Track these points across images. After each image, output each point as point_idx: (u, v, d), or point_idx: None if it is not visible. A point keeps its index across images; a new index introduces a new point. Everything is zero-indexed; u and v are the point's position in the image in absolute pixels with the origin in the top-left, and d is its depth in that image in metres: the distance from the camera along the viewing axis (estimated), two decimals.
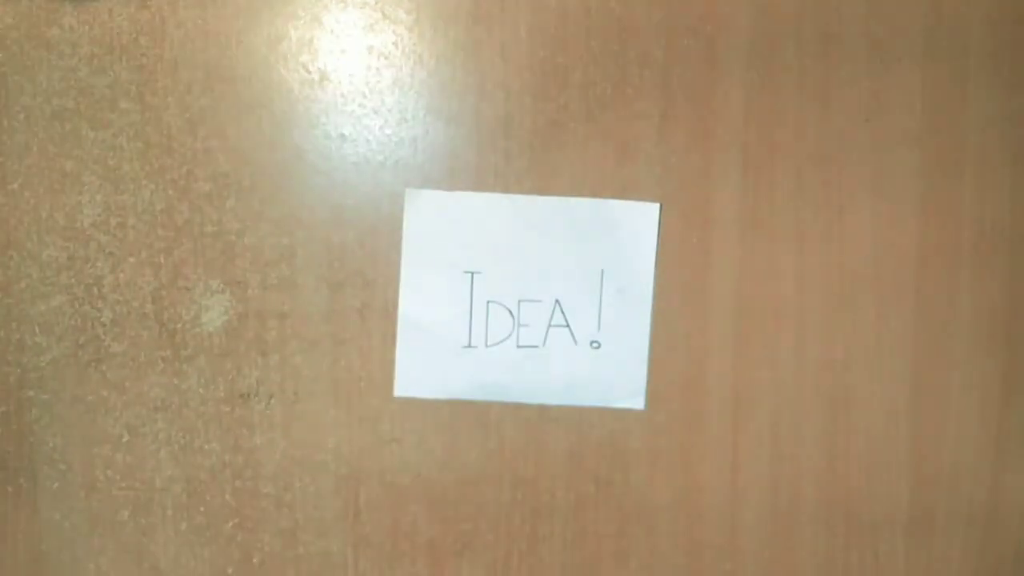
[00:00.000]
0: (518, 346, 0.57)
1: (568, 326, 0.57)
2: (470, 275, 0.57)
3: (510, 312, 0.57)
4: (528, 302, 0.57)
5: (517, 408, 0.58)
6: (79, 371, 0.58)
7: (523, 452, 0.58)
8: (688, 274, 0.57)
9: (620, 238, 0.57)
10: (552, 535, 0.59)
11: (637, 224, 0.56)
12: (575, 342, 0.57)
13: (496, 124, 0.57)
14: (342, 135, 0.57)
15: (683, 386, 0.57)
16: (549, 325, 0.57)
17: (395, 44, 0.57)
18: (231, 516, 0.59)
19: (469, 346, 0.58)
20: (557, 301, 0.57)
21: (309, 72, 0.57)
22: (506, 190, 0.57)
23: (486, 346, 0.58)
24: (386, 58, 0.57)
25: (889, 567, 0.58)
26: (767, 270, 0.57)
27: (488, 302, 0.57)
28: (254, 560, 0.59)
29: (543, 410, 0.58)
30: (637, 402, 0.57)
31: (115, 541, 0.59)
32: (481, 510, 0.59)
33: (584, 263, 0.57)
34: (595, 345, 0.57)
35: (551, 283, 0.57)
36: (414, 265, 0.57)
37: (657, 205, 0.56)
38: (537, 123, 0.57)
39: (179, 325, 0.58)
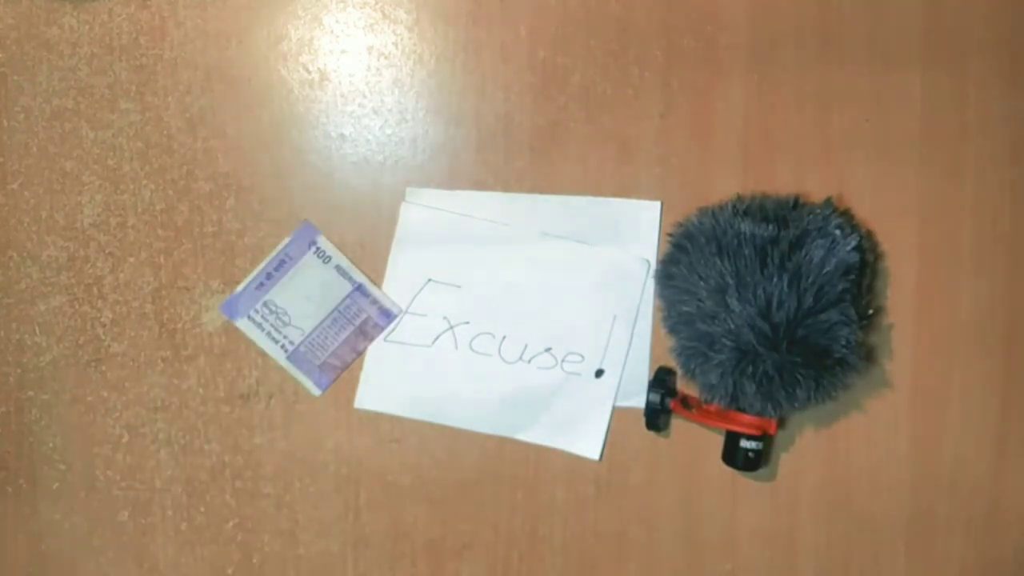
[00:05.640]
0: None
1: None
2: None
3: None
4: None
5: None
6: (79, 371, 0.58)
7: (523, 452, 0.58)
8: None
9: (622, 236, 0.57)
10: (552, 535, 0.59)
11: (639, 222, 0.56)
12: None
13: (496, 124, 0.57)
14: (342, 135, 0.57)
15: (684, 385, 0.57)
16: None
17: (395, 44, 0.57)
18: (231, 516, 0.59)
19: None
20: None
21: (309, 72, 0.57)
22: (506, 190, 0.57)
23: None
24: (386, 58, 0.57)
25: (889, 567, 0.58)
26: None
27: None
28: (254, 560, 0.59)
29: None
30: (638, 401, 0.57)
31: (115, 541, 0.59)
32: (481, 510, 0.59)
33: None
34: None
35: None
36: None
37: (659, 203, 0.56)
38: (537, 123, 0.57)
39: (179, 325, 0.58)
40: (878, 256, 0.56)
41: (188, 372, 0.58)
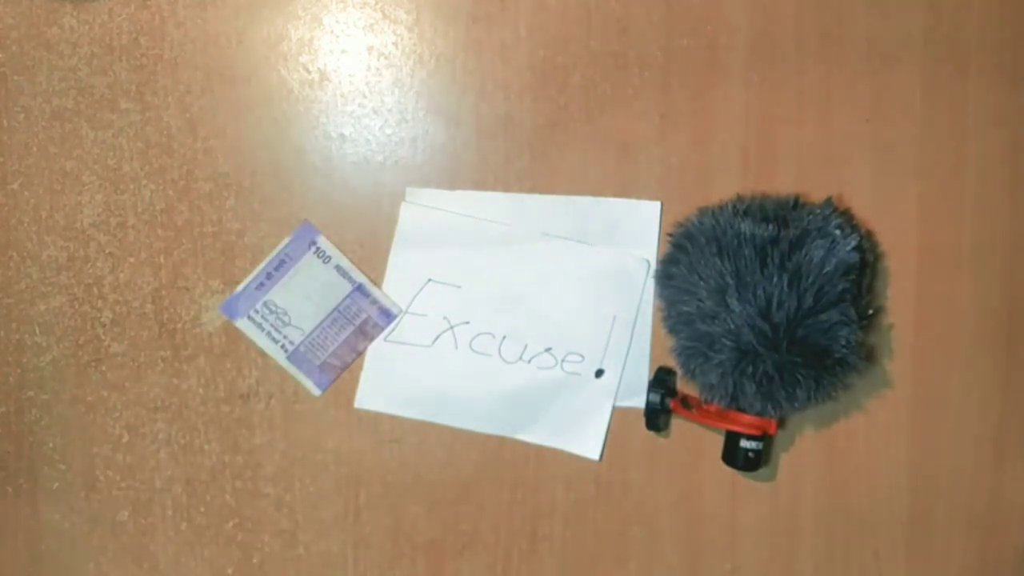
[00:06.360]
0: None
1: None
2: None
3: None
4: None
5: None
6: (79, 371, 0.58)
7: (523, 452, 0.58)
8: None
9: (622, 236, 0.57)
10: (552, 535, 0.59)
11: (639, 222, 0.56)
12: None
13: (496, 124, 0.57)
14: (342, 135, 0.57)
15: (684, 385, 0.57)
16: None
17: (395, 44, 0.57)
18: (231, 516, 0.59)
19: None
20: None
21: (309, 72, 0.57)
22: (506, 190, 0.57)
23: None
24: (386, 58, 0.57)
25: (889, 567, 0.58)
26: None
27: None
28: (254, 560, 0.59)
29: None
30: (638, 401, 0.57)
31: (115, 541, 0.59)
32: (481, 510, 0.59)
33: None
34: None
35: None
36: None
37: (659, 203, 0.56)
38: (537, 123, 0.57)
39: (179, 325, 0.58)
40: (878, 256, 0.56)
41: (188, 372, 0.58)
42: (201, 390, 0.58)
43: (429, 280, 0.57)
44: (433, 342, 0.57)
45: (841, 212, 0.54)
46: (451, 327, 0.57)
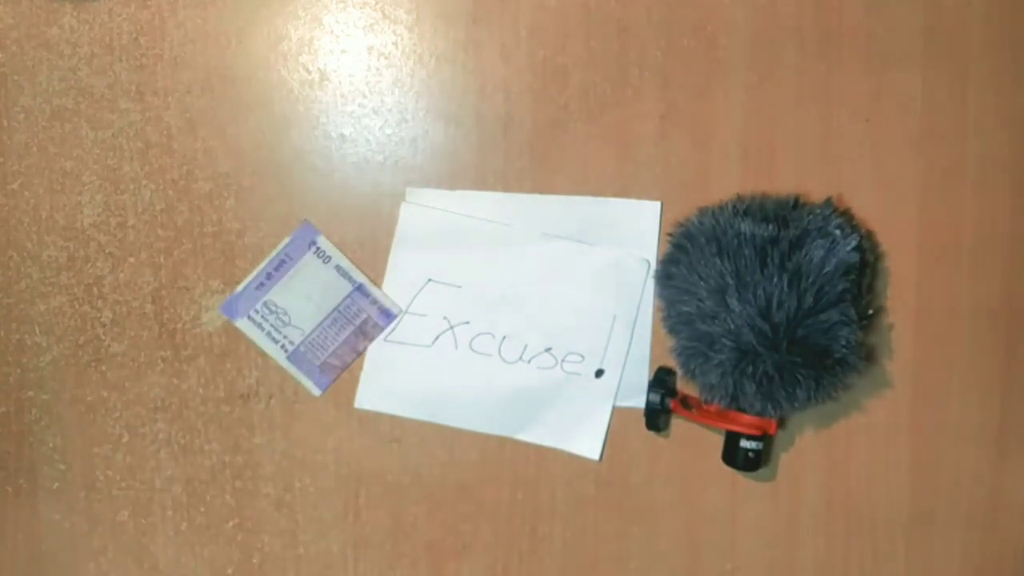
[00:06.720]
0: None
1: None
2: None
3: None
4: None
5: None
6: (79, 371, 0.58)
7: (523, 452, 0.58)
8: None
9: (622, 236, 0.57)
10: (552, 535, 0.59)
11: (639, 222, 0.56)
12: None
13: (496, 124, 0.57)
14: (342, 135, 0.57)
15: (684, 385, 0.57)
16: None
17: (395, 44, 0.57)
18: (231, 516, 0.59)
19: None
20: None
21: (309, 72, 0.57)
22: (506, 190, 0.57)
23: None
24: (386, 58, 0.57)
25: (889, 567, 0.58)
26: None
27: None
28: (254, 560, 0.59)
29: None
30: (638, 401, 0.57)
31: (115, 541, 0.59)
32: (481, 510, 0.59)
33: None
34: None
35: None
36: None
37: (659, 203, 0.56)
38: (537, 123, 0.57)
39: (179, 325, 0.58)
40: (878, 256, 0.56)
41: (188, 372, 0.58)
42: (201, 390, 0.58)
43: (429, 280, 0.57)
44: (433, 342, 0.57)
45: (841, 212, 0.54)
46: (451, 327, 0.57)
